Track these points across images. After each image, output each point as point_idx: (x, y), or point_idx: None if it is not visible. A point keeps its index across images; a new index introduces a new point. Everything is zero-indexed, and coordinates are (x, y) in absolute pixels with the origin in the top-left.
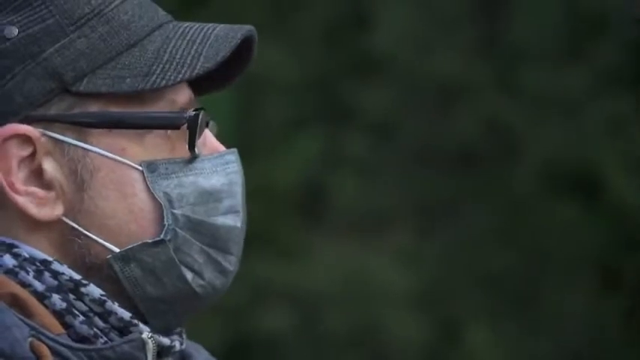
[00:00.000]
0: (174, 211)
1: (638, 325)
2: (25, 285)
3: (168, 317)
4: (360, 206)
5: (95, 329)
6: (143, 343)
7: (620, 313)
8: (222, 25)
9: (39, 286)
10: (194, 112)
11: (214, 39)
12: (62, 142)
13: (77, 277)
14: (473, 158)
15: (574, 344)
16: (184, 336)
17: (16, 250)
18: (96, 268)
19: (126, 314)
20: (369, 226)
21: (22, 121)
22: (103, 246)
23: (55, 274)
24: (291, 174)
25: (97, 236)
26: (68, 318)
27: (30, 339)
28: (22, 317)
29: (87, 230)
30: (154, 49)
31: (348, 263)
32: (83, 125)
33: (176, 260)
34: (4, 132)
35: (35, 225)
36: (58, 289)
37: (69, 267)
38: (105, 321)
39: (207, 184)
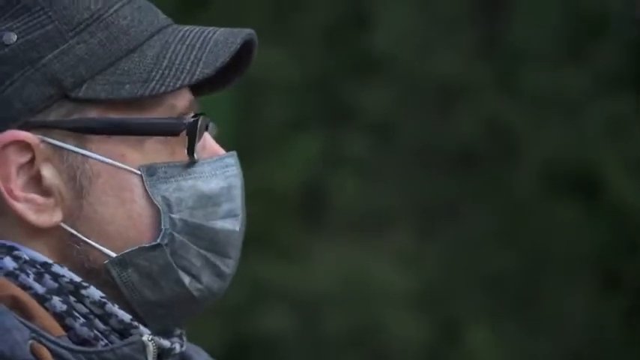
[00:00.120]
0: (172, 215)
1: (638, 326)
2: (25, 287)
3: (166, 321)
4: (360, 207)
5: (96, 331)
6: (143, 346)
7: (620, 313)
8: (222, 29)
9: (39, 289)
10: (193, 119)
11: (213, 44)
12: (61, 148)
13: (77, 279)
14: (473, 159)
15: (574, 344)
16: (184, 338)
17: (16, 252)
18: (94, 273)
19: (126, 316)
20: (369, 227)
21: (21, 128)
22: (101, 251)
23: (56, 277)
24: (291, 175)
25: (96, 242)
26: (69, 320)
27: (30, 341)
28: (22, 320)
29: (86, 236)
30: (153, 54)
31: (348, 264)
32: (82, 131)
33: (173, 264)
34: (3, 138)
35: (34, 231)
36: (59, 292)
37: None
38: (105, 323)
39: (206, 187)
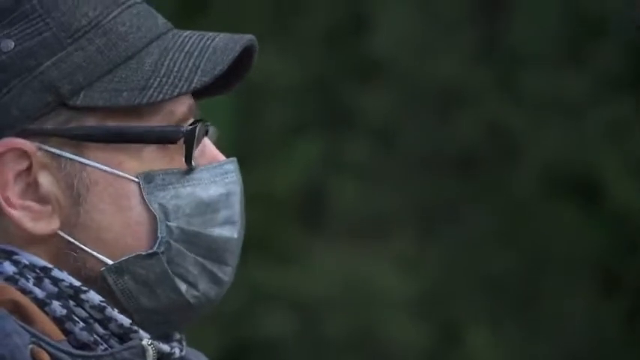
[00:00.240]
0: (169, 223)
1: (638, 327)
2: (25, 292)
3: (163, 327)
4: (360, 210)
5: (95, 336)
6: (143, 350)
7: (620, 314)
8: (222, 35)
9: (39, 293)
10: (190, 127)
11: (212, 51)
12: (59, 156)
13: (77, 283)
14: (473, 161)
15: (574, 346)
16: (184, 343)
17: (15, 257)
18: (91, 281)
19: (126, 321)
20: (369, 231)
21: (18, 135)
22: (98, 259)
23: (55, 281)
24: (291, 178)
25: (93, 249)
26: (68, 324)
27: (30, 346)
28: (22, 324)
29: (83, 244)
30: (151, 61)
31: (349, 267)
32: (80, 139)
33: (169, 272)
34: (0, 146)
35: (31, 238)
36: (58, 296)
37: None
38: (105, 327)
39: (204, 194)
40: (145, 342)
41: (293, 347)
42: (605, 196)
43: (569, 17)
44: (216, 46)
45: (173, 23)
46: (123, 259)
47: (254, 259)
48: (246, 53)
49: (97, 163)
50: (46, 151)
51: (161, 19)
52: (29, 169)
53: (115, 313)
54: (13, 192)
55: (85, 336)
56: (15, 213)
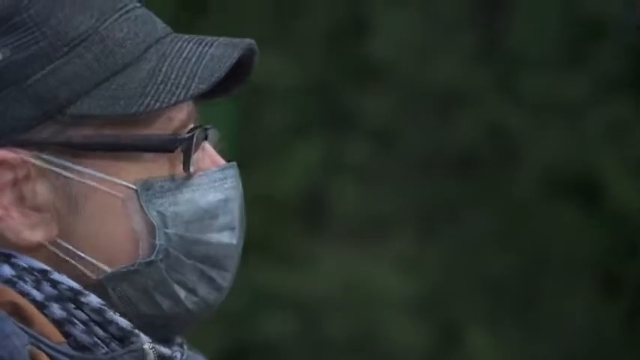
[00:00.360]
0: (168, 230)
1: (638, 327)
2: (23, 294)
3: (163, 332)
4: (361, 213)
5: (95, 338)
6: (144, 354)
7: (620, 316)
8: (220, 41)
9: (38, 296)
10: (188, 134)
11: (210, 58)
12: (56, 164)
13: (76, 286)
14: (474, 164)
15: (575, 347)
16: (185, 347)
17: (14, 260)
18: (90, 288)
19: (126, 323)
20: (369, 233)
21: (15, 144)
22: (97, 266)
23: (54, 284)
24: (291, 181)
25: (91, 257)
26: (68, 327)
27: (29, 347)
28: (21, 326)
29: (81, 251)
30: (149, 67)
31: (349, 270)
32: (76, 148)
33: (168, 279)
34: None
35: (29, 246)
36: (57, 299)
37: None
38: (105, 330)
39: (203, 200)
40: (146, 346)
41: (294, 348)
42: (605, 196)
43: (569, 18)
44: (214, 53)
45: (173, 25)
46: (121, 266)
47: (255, 260)
48: (247, 57)
49: (94, 171)
50: (43, 159)
51: (160, 24)
52: (26, 177)
53: (115, 316)
54: (10, 200)
55: (85, 338)
56: (11, 222)
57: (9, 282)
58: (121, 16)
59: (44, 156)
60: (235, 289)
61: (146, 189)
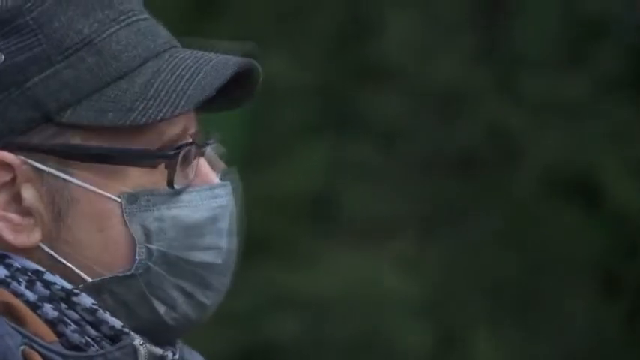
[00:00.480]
0: (150, 245)
1: (638, 328)
2: (17, 295)
3: (147, 339)
4: (368, 212)
5: (87, 337)
6: (135, 350)
7: (620, 317)
8: (218, 59)
9: (31, 296)
10: (173, 152)
11: (203, 75)
12: (42, 170)
13: (69, 286)
14: (477, 163)
15: (575, 348)
16: (178, 346)
17: (8, 260)
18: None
19: (117, 323)
20: (377, 234)
21: (4, 148)
22: (78, 275)
23: (47, 284)
24: (298, 181)
25: (73, 265)
26: (60, 327)
27: (22, 347)
28: (14, 325)
29: (64, 258)
30: (142, 82)
31: (357, 270)
32: (63, 156)
33: (147, 294)
34: None
35: (14, 249)
36: (50, 299)
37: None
38: (97, 329)
39: (189, 218)
40: (136, 342)
41: (301, 347)
42: (606, 197)
43: (569, 18)
44: (208, 71)
45: (183, 27)
46: (101, 278)
47: (262, 261)
48: (249, 71)
49: (79, 180)
50: (31, 165)
51: (162, 38)
52: (13, 181)
53: (107, 316)
54: (6, 200)
55: (76, 338)
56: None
57: (3, 282)
58: (122, 27)
59: (31, 161)
60: (244, 289)
61: (131, 202)
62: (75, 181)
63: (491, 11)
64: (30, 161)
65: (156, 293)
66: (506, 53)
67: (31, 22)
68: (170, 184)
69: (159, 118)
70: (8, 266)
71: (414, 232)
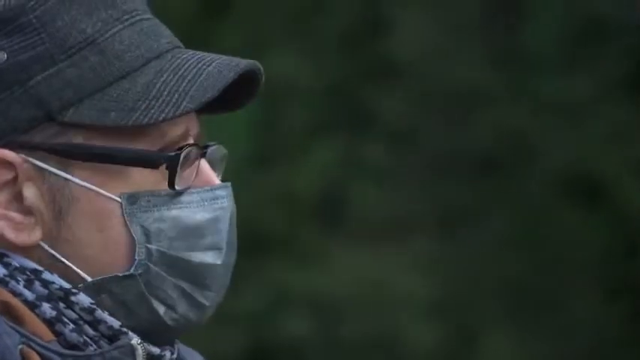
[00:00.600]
0: (150, 245)
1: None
2: (15, 294)
3: (146, 340)
4: (379, 212)
5: (85, 337)
6: (132, 349)
7: (621, 317)
8: (220, 60)
9: (29, 295)
10: (174, 152)
11: (205, 77)
12: (43, 169)
13: (67, 286)
14: (492, 165)
15: (575, 348)
16: (176, 346)
17: (6, 259)
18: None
19: (115, 322)
20: (388, 233)
21: (6, 146)
22: (78, 274)
23: (46, 284)
24: (310, 180)
25: (73, 264)
26: (58, 326)
27: (20, 346)
28: (12, 325)
29: (64, 257)
30: (144, 82)
31: (368, 270)
32: (64, 155)
33: (146, 294)
34: None
35: (15, 247)
36: (48, 298)
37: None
38: (95, 329)
39: (190, 219)
40: (134, 341)
41: (313, 348)
42: (607, 197)
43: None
44: (210, 72)
45: (194, 25)
46: (100, 277)
47: (274, 260)
48: (253, 73)
49: (79, 179)
50: (32, 163)
51: (165, 38)
52: (15, 179)
53: (105, 315)
54: (8, 199)
55: (74, 337)
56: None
57: (1, 281)
58: (125, 27)
59: (33, 160)
60: (255, 289)
61: (131, 203)
62: (76, 180)
63: (505, 14)
64: (31, 160)
65: (155, 293)
66: (522, 55)
67: (34, 20)
68: (171, 184)
69: (161, 118)
70: (6, 265)
71: (425, 232)
